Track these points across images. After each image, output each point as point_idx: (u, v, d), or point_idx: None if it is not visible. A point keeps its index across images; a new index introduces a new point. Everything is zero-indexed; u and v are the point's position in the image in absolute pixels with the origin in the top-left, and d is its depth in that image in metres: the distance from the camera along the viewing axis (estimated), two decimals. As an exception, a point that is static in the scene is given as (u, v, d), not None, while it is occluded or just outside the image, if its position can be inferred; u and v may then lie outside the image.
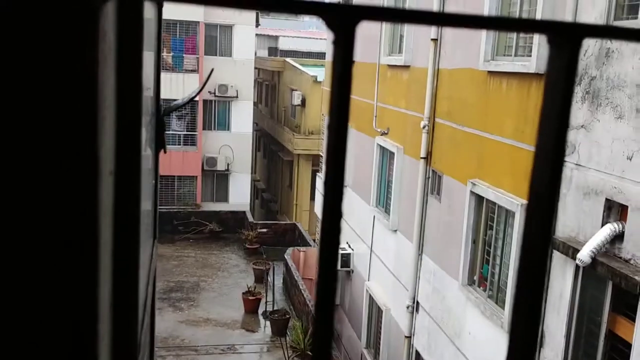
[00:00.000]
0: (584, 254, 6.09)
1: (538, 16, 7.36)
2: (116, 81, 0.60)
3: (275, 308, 17.13)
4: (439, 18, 0.40)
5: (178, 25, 25.34)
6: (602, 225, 6.18)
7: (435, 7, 10.13)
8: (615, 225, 6.02)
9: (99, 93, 0.43)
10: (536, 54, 7.37)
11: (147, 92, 1.35)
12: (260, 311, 17.60)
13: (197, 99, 24.99)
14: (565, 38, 0.42)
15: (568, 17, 6.82)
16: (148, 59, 1.33)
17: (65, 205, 0.43)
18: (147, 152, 1.33)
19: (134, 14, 0.63)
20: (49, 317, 0.44)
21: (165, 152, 1.66)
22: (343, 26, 0.39)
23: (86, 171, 0.43)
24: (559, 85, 0.42)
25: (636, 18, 6.01)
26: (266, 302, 17.39)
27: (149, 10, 1.32)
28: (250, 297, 17.53)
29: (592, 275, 6.41)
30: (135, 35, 0.63)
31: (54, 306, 0.45)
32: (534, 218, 0.44)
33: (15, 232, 0.45)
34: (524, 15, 8.00)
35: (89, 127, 0.43)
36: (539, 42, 7.35)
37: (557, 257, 6.91)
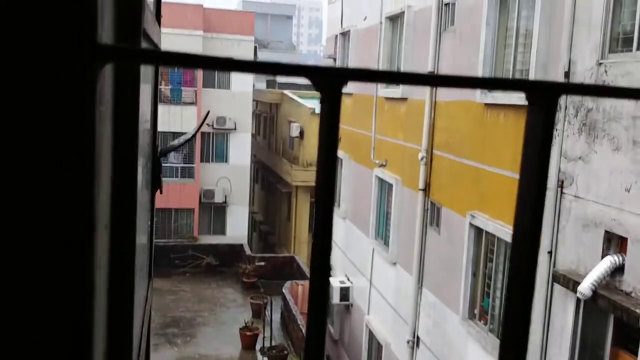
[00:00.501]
0: (585, 287, 6.05)
1: (533, 52, 7.46)
2: (113, 137, 0.61)
3: (273, 344, 16.91)
4: (420, 79, 0.41)
5: (177, 59, 25.59)
6: (602, 257, 6.15)
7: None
8: (615, 258, 6.00)
9: (96, 151, 0.44)
10: (531, 87, 7.44)
11: (145, 131, 1.37)
12: (257, 347, 17.36)
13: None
14: (542, 96, 0.43)
15: (563, 53, 6.91)
16: (146, 95, 1.35)
17: (61, 259, 0.44)
18: (142, 193, 1.34)
19: (131, 76, 0.65)
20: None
21: (161, 192, 1.67)
22: (329, 87, 0.40)
23: (82, 227, 0.44)
24: (536, 142, 0.43)
25: (630, 51, 6.09)
26: (264, 338, 17.17)
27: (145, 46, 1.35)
28: (248, 333, 17.32)
29: (593, 309, 6.36)
30: (132, 96, 0.65)
31: (48, 354, 0.45)
32: (517, 262, 0.44)
33: (12, 283, 0.45)
34: (519, 54, 8.12)
35: (85, 185, 0.44)
36: (535, 75, 7.44)
37: (557, 290, 6.86)
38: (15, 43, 0.42)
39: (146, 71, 1.33)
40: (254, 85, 28.93)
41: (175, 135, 23.93)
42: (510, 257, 0.48)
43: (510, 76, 8.33)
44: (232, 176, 26.76)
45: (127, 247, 0.69)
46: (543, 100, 0.43)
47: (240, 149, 27.12)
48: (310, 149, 25.75)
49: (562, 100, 6.88)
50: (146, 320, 1.34)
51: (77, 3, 0.42)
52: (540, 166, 0.44)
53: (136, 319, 1.04)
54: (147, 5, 0.92)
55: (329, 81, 0.40)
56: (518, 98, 7.80)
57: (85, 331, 0.47)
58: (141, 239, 1.23)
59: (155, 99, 1.68)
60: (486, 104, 8.64)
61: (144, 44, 1.03)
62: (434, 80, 0.42)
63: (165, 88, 25.33)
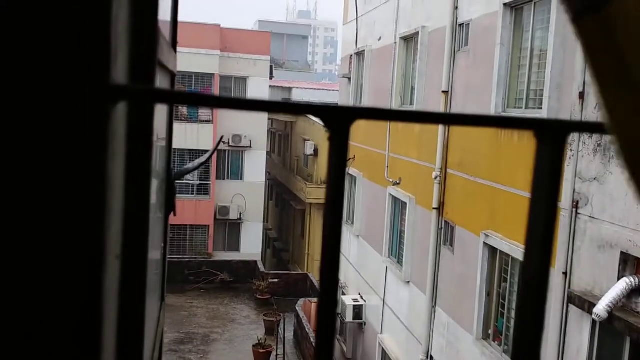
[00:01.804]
0: (600, 309, 5.97)
1: (547, 73, 7.44)
2: (126, 171, 0.62)
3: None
4: (428, 117, 0.43)
5: (194, 77, 25.90)
6: (618, 278, 6.07)
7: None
8: (632, 279, 5.92)
9: (107, 187, 0.46)
10: (547, 106, 7.43)
11: (160, 153, 1.39)
12: (271, 364, 17.27)
13: (210, 148, 25.28)
14: (551, 134, 0.44)
15: (578, 73, 6.88)
16: (161, 115, 1.37)
17: (70, 288, 0.45)
18: (156, 217, 1.36)
19: (144, 113, 0.67)
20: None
21: (175, 215, 1.69)
22: (338, 125, 0.42)
23: (91, 257, 0.45)
24: (545, 178, 0.44)
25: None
26: (277, 355, 17.08)
27: (162, 83, 1.37)
28: (261, 350, 17.24)
29: (609, 331, 6.26)
30: (146, 134, 0.66)
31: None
32: (527, 307, 0.45)
33: (21, 310, 0.46)
34: (534, 74, 8.11)
35: (96, 218, 0.45)
36: (549, 95, 7.42)
37: (573, 312, 6.77)
38: (27, 83, 0.44)
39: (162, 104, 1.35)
40: (268, 103, 29.06)
41: (192, 152, 24.14)
42: (518, 302, 0.48)
43: (525, 96, 8.31)
44: (247, 193, 26.85)
45: (138, 277, 0.70)
46: (552, 138, 0.44)
47: (255, 167, 27.23)
48: (324, 166, 25.79)
49: (577, 119, 6.84)
50: (157, 344, 1.35)
51: (91, 43, 0.43)
52: (548, 204, 0.45)
53: (147, 343, 1.05)
54: (163, 35, 0.94)
55: (337, 119, 0.41)
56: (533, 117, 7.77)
57: None
58: (153, 263, 1.24)
59: (171, 120, 1.71)
60: (501, 123, 8.61)
61: (160, 75, 1.05)
62: (441, 118, 0.43)
63: (182, 106, 25.55)
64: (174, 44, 1.60)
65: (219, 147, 26.18)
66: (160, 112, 1.45)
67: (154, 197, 1.24)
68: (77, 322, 0.46)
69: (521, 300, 0.45)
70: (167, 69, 1.23)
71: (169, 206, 1.62)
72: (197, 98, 0.41)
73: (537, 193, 0.46)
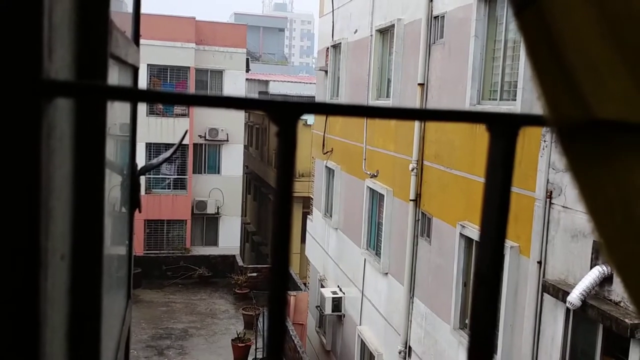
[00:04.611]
0: (574, 297, 6.06)
1: (521, 64, 7.51)
2: (75, 168, 0.60)
3: (266, 355, 16.82)
4: (376, 111, 0.42)
5: (169, 70, 25.65)
6: (591, 267, 6.18)
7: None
8: (604, 268, 6.02)
9: (43, 183, 0.44)
10: (521, 98, 7.50)
11: (123, 147, 1.36)
12: (250, 358, 17.27)
13: (187, 142, 25.10)
14: (503, 127, 0.43)
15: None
16: (124, 108, 1.34)
17: (3, 292, 0.43)
18: (120, 212, 1.33)
19: (93, 109, 0.65)
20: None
21: (140, 211, 1.66)
22: (285, 120, 0.40)
23: (26, 258, 0.43)
24: (498, 171, 0.43)
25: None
26: (256, 349, 17.09)
27: (123, 78, 1.34)
28: (240, 344, 17.22)
29: (583, 319, 6.37)
30: (95, 130, 0.64)
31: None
32: (480, 304, 0.44)
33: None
34: (507, 66, 8.17)
35: (30, 219, 0.43)
36: (523, 87, 7.49)
37: (547, 300, 6.87)
38: None
39: (124, 82, 1.32)
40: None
41: (168, 147, 23.90)
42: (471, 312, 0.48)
43: (499, 88, 8.38)
44: (224, 187, 26.72)
45: (92, 277, 0.68)
46: (504, 132, 0.43)
47: (233, 160, 27.10)
48: (302, 159, 25.76)
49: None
50: (122, 343, 1.32)
51: (20, 38, 0.41)
52: (502, 197, 0.44)
53: (109, 344, 1.02)
54: (118, 28, 0.91)
55: (284, 114, 0.40)
56: (507, 110, 7.85)
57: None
58: (115, 260, 1.22)
59: (135, 115, 1.67)
60: (476, 115, 8.68)
61: (117, 69, 1.02)
62: (392, 113, 0.42)
63: (126, 102, 25.26)
64: (136, 37, 1.57)
65: (196, 142, 25.99)
66: (123, 107, 1.42)
67: (117, 193, 1.21)
68: (12, 327, 0.44)
69: (475, 293, 0.45)
70: (126, 63, 1.20)
71: (134, 202, 1.59)
72: (136, 93, 0.39)
73: (490, 187, 0.45)
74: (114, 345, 1.13)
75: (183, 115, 25.50)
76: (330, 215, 15.75)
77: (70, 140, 0.58)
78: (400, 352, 10.98)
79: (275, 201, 0.42)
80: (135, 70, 1.55)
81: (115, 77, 1.05)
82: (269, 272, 0.43)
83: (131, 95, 0.39)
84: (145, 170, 1.95)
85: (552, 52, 0.40)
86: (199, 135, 25.97)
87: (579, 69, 0.40)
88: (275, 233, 0.41)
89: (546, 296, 6.85)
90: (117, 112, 1.25)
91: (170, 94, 0.39)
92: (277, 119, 0.40)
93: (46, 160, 0.43)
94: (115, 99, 0.40)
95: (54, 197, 0.49)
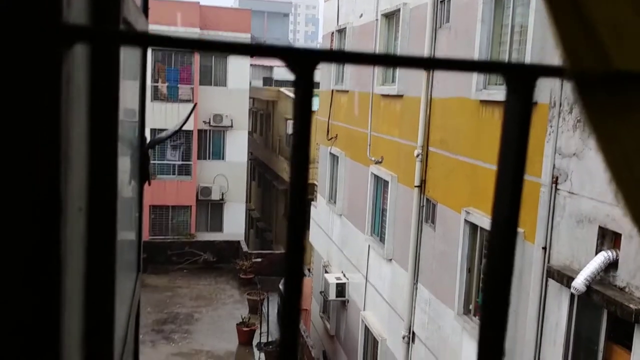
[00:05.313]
0: (579, 283, 6.07)
1: (528, 49, 7.46)
2: (89, 120, 0.60)
3: (270, 339, 16.93)
4: (394, 60, 0.41)
5: (173, 55, 25.57)
6: (596, 253, 6.17)
7: (426, 49, 10.28)
8: (609, 253, 6.02)
9: (62, 136, 0.44)
10: (527, 84, 7.45)
11: (131, 124, 1.36)
12: (254, 342, 17.38)
13: (192, 128, 25.09)
14: (520, 79, 0.43)
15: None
16: (132, 89, 1.34)
17: (26, 242, 0.44)
18: (130, 184, 1.34)
19: (108, 57, 0.64)
20: (10, 350, 0.44)
21: (149, 184, 1.67)
22: (303, 68, 0.40)
23: (48, 208, 0.44)
24: (515, 125, 0.43)
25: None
26: (260, 333, 17.20)
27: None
28: (245, 328, 17.34)
29: (587, 304, 6.38)
30: (110, 77, 0.64)
31: (11, 348, 0.45)
32: (495, 256, 0.44)
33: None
34: (514, 50, 8.12)
35: (51, 167, 0.43)
36: (529, 72, 7.43)
37: (552, 286, 6.88)
38: None
39: (132, 63, 1.32)
40: (250, 83, 28.87)
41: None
42: (489, 246, 0.48)
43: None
44: (229, 173, 26.73)
45: (108, 232, 0.69)
46: (521, 84, 0.43)
47: (237, 147, 27.08)
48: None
49: (557, 96, 6.89)
50: (133, 315, 1.33)
51: None
52: (518, 149, 0.44)
53: (120, 312, 1.03)
54: None
55: (301, 62, 0.40)
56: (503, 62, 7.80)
57: (53, 320, 0.46)
58: (126, 227, 1.22)
59: (143, 92, 1.67)
60: (481, 101, 8.64)
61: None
62: (411, 62, 0.42)
63: (162, 85, 25.28)
64: (145, 8, 1.56)
65: (200, 127, 25.97)
66: (132, 87, 1.42)
67: (127, 163, 1.21)
68: (32, 267, 0.44)
69: (490, 250, 0.45)
70: (135, 30, 1.20)
71: (143, 175, 1.60)
72: (154, 38, 0.39)
73: (506, 142, 0.45)
74: (126, 309, 1.14)
75: (188, 100, 25.46)
76: (335, 202, 15.76)
77: (86, 92, 0.58)
78: (403, 338, 11.03)
79: (293, 148, 0.42)
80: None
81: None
82: (286, 236, 0.43)
83: (148, 40, 0.39)
84: (155, 143, 1.95)
85: (573, 2, 0.40)
86: (204, 121, 25.94)
87: (599, 20, 0.40)
88: (292, 182, 0.41)
89: (551, 282, 6.86)
90: (126, 95, 1.25)
91: (194, 40, 0.39)
92: (295, 67, 0.40)
93: (65, 109, 0.44)
94: (134, 44, 0.40)
95: (72, 147, 0.50)
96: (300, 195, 0.40)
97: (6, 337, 0.44)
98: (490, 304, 0.47)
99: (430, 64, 0.43)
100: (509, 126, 0.44)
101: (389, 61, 0.41)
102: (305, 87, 0.40)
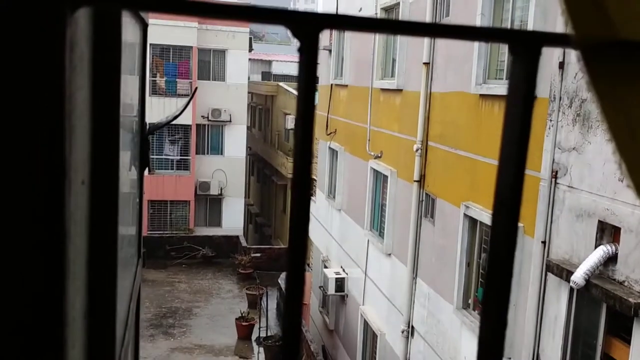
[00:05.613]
0: (578, 276, 6.07)
1: (530, 20, 7.41)
2: (91, 90, 0.60)
3: (269, 334, 16.96)
4: (398, 26, 0.41)
5: (171, 50, 25.52)
6: (596, 247, 6.18)
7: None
8: (609, 247, 6.02)
9: (66, 102, 0.43)
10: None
11: (132, 111, 1.35)
12: (253, 337, 17.41)
13: (190, 123, 25.06)
14: (525, 46, 0.43)
15: (560, 20, 6.88)
16: (132, 80, 1.33)
17: (31, 211, 0.43)
18: (131, 170, 1.33)
19: (111, 24, 0.64)
20: (13, 325, 0.44)
21: (150, 171, 1.67)
22: (308, 33, 0.40)
23: (53, 179, 0.43)
24: (520, 94, 0.43)
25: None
26: (259, 328, 17.22)
27: (133, 33, 1.34)
28: (244, 323, 17.36)
29: (586, 298, 6.39)
30: (113, 45, 0.63)
31: (17, 316, 0.44)
32: (499, 226, 0.44)
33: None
34: (517, 19, 8.08)
35: (55, 136, 0.43)
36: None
37: (551, 280, 6.89)
38: None
39: (133, 55, 1.31)
40: (249, 78, 28.82)
41: (171, 127, 23.87)
42: (491, 234, 0.48)
43: (505, 67, 8.32)
44: (227, 168, 26.73)
45: (110, 204, 0.68)
46: (527, 51, 0.42)
47: (236, 141, 27.06)
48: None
49: (557, 90, 6.88)
50: (134, 296, 1.33)
51: None
52: (523, 120, 0.44)
53: (123, 291, 1.03)
54: None
55: (306, 27, 0.39)
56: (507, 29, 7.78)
57: (57, 290, 0.46)
58: (128, 208, 1.22)
59: (143, 82, 1.67)
60: (481, 95, 8.64)
61: (127, 19, 1.01)
62: (416, 28, 0.42)
63: (160, 80, 25.23)
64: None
65: (199, 122, 25.94)
66: (132, 81, 1.42)
67: (128, 148, 1.21)
68: (38, 236, 0.44)
69: (494, 226, 0.45)
70: (138, 16, 1.20)
71: (143, 161, 1.60)
72: (157, 1, 0.39)
73: (510, 112, 0.45)
74: (127, 291, 1.14)
75: (186, 95, 25.42)
76: (334, 197, 15.76)
77: (89, 62, 0.58)
78: (402, 332, 11.05)
79: (297, 120, 0.41)
80: (145, 27, 1.55)
81: (129, 29, 1.04)
82: (290, 223, 0.42)
83: (159, 4, 0.39)
84: (155, 128, 1.95)
85: None
86: (202, 116, 25.92)
87: None
88: (297, 152, 0.41)
89: (550, 276, 6.87)
90: (128, 88, 1.24)
91: (190, 3, 0.38)
92: (299, 33, 0.40)
93: (69, 76, 0.43)
94: (137, 7, 0.39)
95: (75, 115, 0.49)
96: (305, 158, 0.40)
97: (13, 302, 0.44)
98: (491, 298, 0.47)
99: (434, 30, 0.42)
100: (513, 96, 0.44)
101: (393, 27, 0.41)
102: (309, 54, 0.40)
